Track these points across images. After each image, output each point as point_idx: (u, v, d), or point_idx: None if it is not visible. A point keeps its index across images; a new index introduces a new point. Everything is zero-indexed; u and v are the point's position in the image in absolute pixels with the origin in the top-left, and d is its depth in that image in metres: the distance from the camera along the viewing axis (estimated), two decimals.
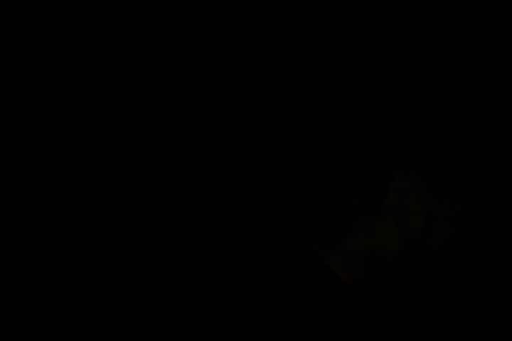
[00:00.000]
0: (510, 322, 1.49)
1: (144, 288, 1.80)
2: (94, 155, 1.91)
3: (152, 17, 1.96)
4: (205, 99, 1.94)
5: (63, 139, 1.94)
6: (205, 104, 1.94)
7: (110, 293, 1.80)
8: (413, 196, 1.60)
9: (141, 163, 1.92)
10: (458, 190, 1.55)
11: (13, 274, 1.82)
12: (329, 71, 1.89)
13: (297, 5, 1.93)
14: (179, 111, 1.95)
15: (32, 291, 1.81)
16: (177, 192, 1.88)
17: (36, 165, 1.91)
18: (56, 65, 1.95)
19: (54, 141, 1.93)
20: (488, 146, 1.59)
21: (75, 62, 1.95)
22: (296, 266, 1.74)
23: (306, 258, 1.71)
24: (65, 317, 1.80)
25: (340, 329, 1.69)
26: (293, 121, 1.88)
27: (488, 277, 1.49)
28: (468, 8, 1.83)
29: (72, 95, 1.95)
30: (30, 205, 1.88)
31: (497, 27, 1.78)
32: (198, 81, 1.96)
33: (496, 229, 1.50)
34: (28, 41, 1.94)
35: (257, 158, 1.88)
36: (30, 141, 1.92)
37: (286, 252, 1.76)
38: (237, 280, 1.76)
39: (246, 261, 1.78)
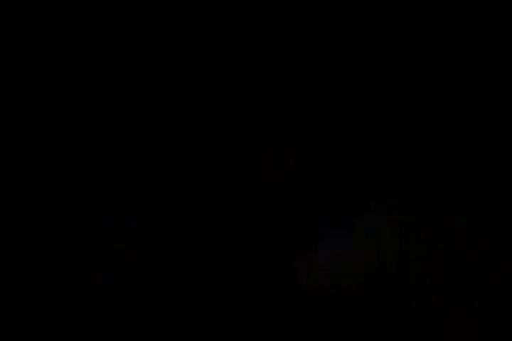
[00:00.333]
0: None
1: None
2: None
3: (152, 17, 1.96)
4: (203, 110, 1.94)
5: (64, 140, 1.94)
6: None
7: None
8: (390, 227, 1.58)
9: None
10: (435, 223, 1.54)
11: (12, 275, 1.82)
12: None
13: (298, 5, 1.93)
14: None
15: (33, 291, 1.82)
16: None
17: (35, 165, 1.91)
18: (56, 65, 1.95)
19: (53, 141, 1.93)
20: (468, 181, 1.58)
21: (75, 63, 1.95)
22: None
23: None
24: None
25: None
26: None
27: (461, 315, 1.51)
28: (468, 9, 1.81)
29: (72, 95, 1.95)
30: (30, 206, 1.88)
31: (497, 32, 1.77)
32: (198, 81, 1.95)
33: (472, 264, 1.51)
34: (28, 41, 1.94)
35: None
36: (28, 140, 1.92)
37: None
38: None
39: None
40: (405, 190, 1.59)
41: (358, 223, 1.60)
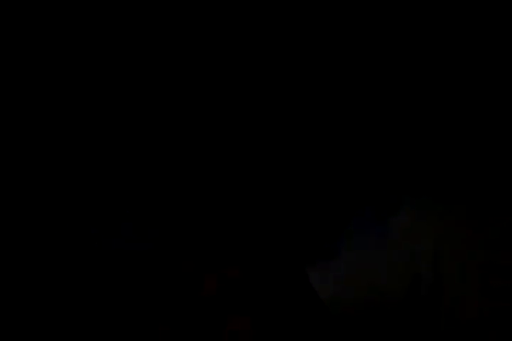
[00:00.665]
0: None
1: None
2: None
3: (152, 17, 1.97)
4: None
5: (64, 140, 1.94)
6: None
7: None
8: (423, 228, 1.59)
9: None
10: (466, 217, 1.55)
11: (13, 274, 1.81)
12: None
13: (299, 5, 1.93)
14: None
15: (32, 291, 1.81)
16: None
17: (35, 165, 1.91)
18: (56, 65, 1.95)
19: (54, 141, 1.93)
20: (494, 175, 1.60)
21: (75, 63, 1.95)
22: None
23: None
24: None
25: None
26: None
27: (496, 301, 1.51)
28: (468, 10, 1.82)
29: (72, 95, 1.95)
30: (30, 205, 1.88)
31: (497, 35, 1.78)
32: (198, 81, 1.96)
33: (503, 268, 1.51)
34: (28, 41, 1.94)
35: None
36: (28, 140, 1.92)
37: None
38: None
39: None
40: (436, 192, 1.60)
41: (389, 227, 1.60)
